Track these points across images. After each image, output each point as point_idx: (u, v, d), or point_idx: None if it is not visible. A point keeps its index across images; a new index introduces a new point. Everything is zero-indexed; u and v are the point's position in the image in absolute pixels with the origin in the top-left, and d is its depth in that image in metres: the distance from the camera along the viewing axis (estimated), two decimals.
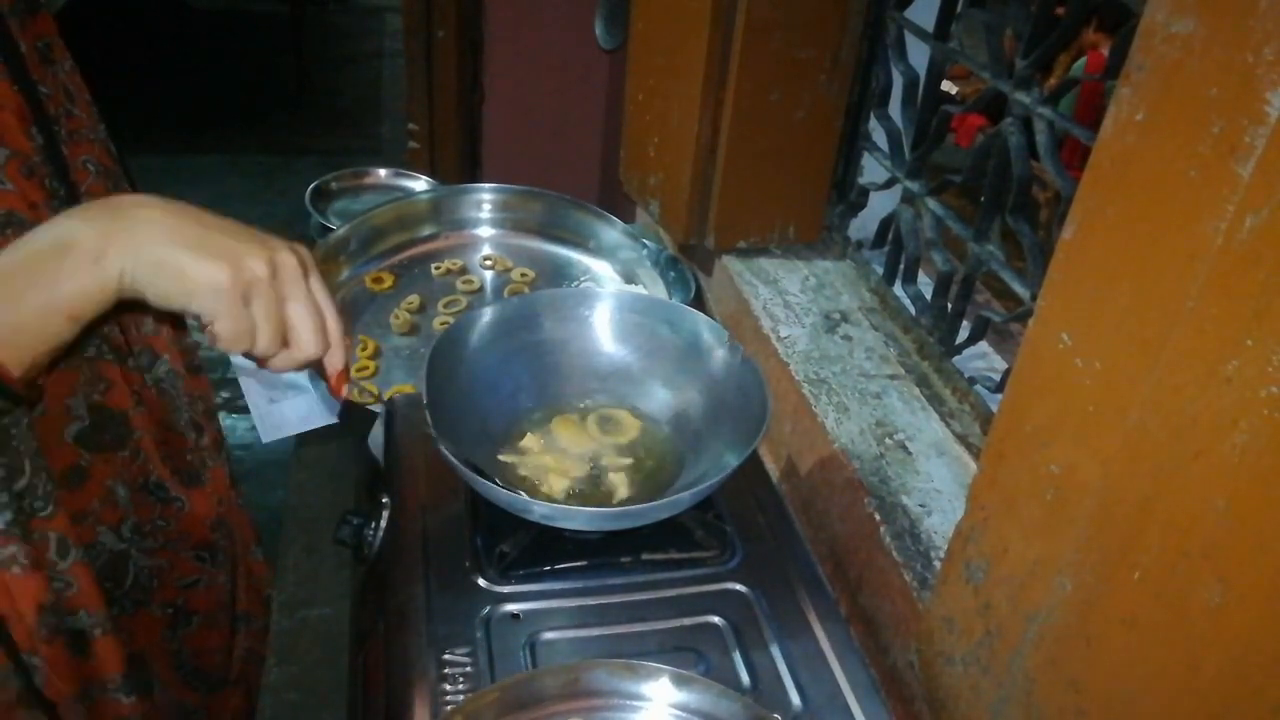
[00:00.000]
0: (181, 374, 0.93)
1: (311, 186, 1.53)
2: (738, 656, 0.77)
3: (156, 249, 0.61)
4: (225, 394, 2.68)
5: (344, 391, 0.71)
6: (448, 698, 0.71)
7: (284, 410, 1.19)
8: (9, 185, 0.71)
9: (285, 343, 0.66)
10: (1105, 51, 3.62)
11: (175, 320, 0.91)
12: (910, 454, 0.99)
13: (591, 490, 0.89)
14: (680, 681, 0.68)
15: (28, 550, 0.67)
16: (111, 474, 0.82)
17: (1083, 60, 3.58)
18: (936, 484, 0.95)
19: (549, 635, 0.77)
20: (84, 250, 0.59)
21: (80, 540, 0.78)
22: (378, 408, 1.07)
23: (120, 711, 0.84)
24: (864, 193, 1.30)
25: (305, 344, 0.66)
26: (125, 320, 0.85)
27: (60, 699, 0.76)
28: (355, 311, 1.28)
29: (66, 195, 0.76)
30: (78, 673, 0.78)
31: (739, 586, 0.83)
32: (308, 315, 0.65)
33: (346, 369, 0.71)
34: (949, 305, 1.08)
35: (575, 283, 1.37)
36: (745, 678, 0.75)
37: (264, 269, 0.62)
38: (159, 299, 0.62)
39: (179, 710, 0.97)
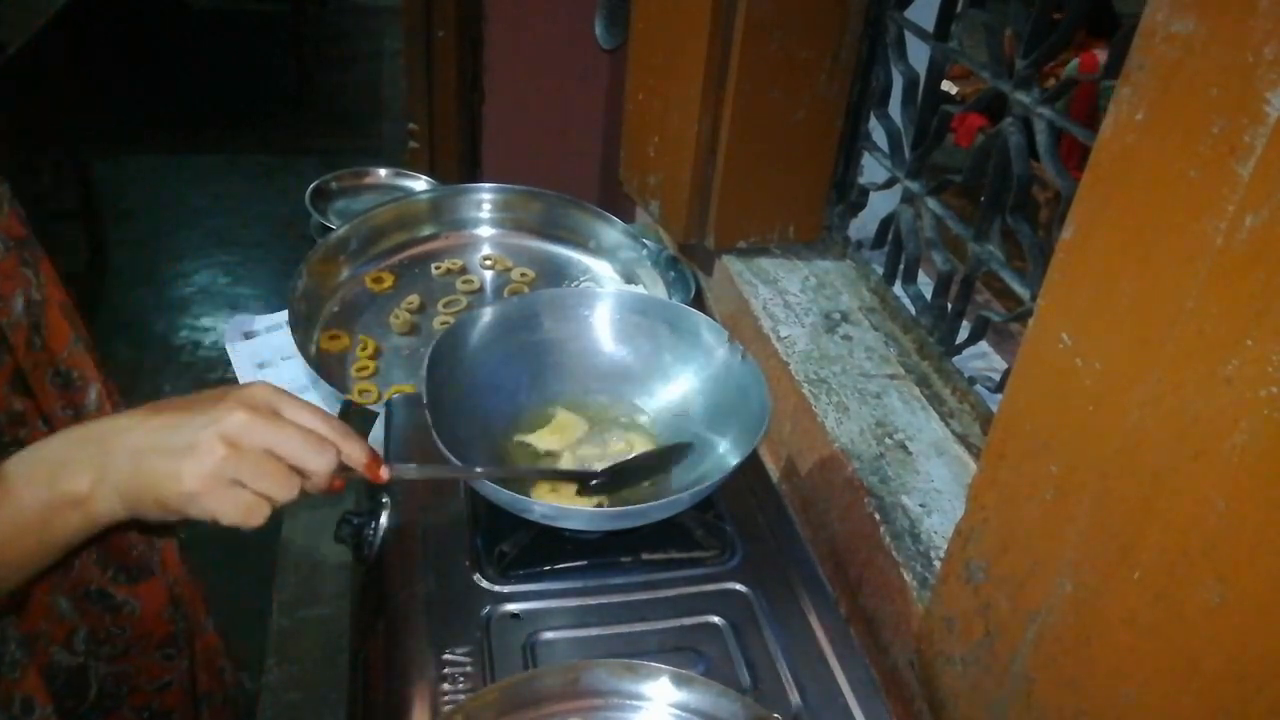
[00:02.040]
0: None
1: (312, 186, 1.53)
2: (738, 656, 0.77)
3: (130, 479, 0.61)
4: None
5: (384, 475, 0.69)
6: (448, 698, 0.71)
7: None
8: None
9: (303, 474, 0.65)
10: (1096, 53, 3.63)
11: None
12: (910, 454, 0.99)
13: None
14: (680, 681, 0.68)
15: None
16: (48, 589, 0.78)
17: (1074, 62, 3.59)
18: (936, 484, 0.95)
19: (549, 635, 0.77)
20: (73, 497, 0.60)
21: (38, 671, 0.76)
22: (378, 408, 1.07)
23: None
24: (864, 193, 1.30)
25: (313, 465, 0.64)
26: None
27: None
28: (355, 311, 1.28)
29: None
30: None
31: (739, 586, 0.83)
32: (297, 443, 0.63)
33: (373, 455, 0.68)
34: (949, 305, 1.08)
35: (575, 283, 1.37)
36: (745, 677, 0.75)
37: (220, 450, 0.60)
38: (149, 519, 0.63)
39: None
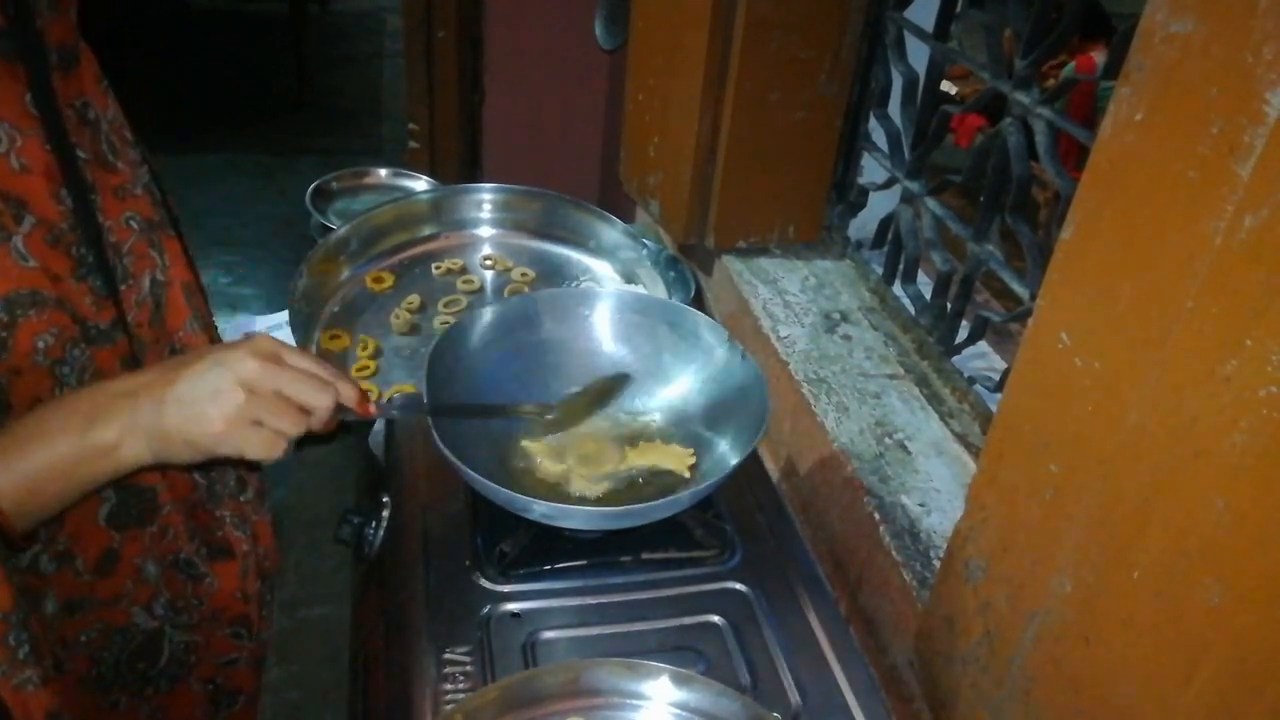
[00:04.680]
0: None
1: (312, 186, 1.53)
2: (737, 655, 0.77)
3: (157, 426, 0.67)
4: None
5: (372, 409, 0.77)
6: (448, 697, 0.71)
7: None
8: (33, 262, 0.71)
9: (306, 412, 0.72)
10: (1093, 55, 3.64)
11: None
12: (910, 453, 0.99)
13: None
14: (680, 680, 0.68)
15: (40, 672, 0.72)
16: (140, 551, 0.84)
17: (1071, 65, 3.61)
18: (936, 483, 0.95)
19: (549, 634, 0.77)
20: (102, 446, 0.66)
21: (113, 625, 0.84)
22: None
23: None
24: (864, 193, 1.30)
25: (317, 402, 0.71)
26: None
27: None
28: (355, 311, 1.28)
29: (95, 262, 0.77)
30: None
31: (739, 586, 0.83)
32: (302, 384, 0.70)
33: (362, 392, 0.75)
34: (948, 305, 1.08)
35: (575, 282, 1.37)
36: (745, 676, 0.75)
37: (238, 395, 0.67)
38: (175, 462, 0.70)
39: None
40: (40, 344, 0.72)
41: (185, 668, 0.92)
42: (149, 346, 0.84)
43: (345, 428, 0.81)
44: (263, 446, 0.69)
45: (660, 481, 0.90)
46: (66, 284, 0.74)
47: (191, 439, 0.67)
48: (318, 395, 0.71)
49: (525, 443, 0.93)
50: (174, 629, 0.90)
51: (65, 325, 0.74)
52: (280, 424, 0.69)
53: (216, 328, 1.00)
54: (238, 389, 0.67)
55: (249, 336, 0.72)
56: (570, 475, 0.89)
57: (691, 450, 0.92)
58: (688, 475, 0.90)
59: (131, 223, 0.83)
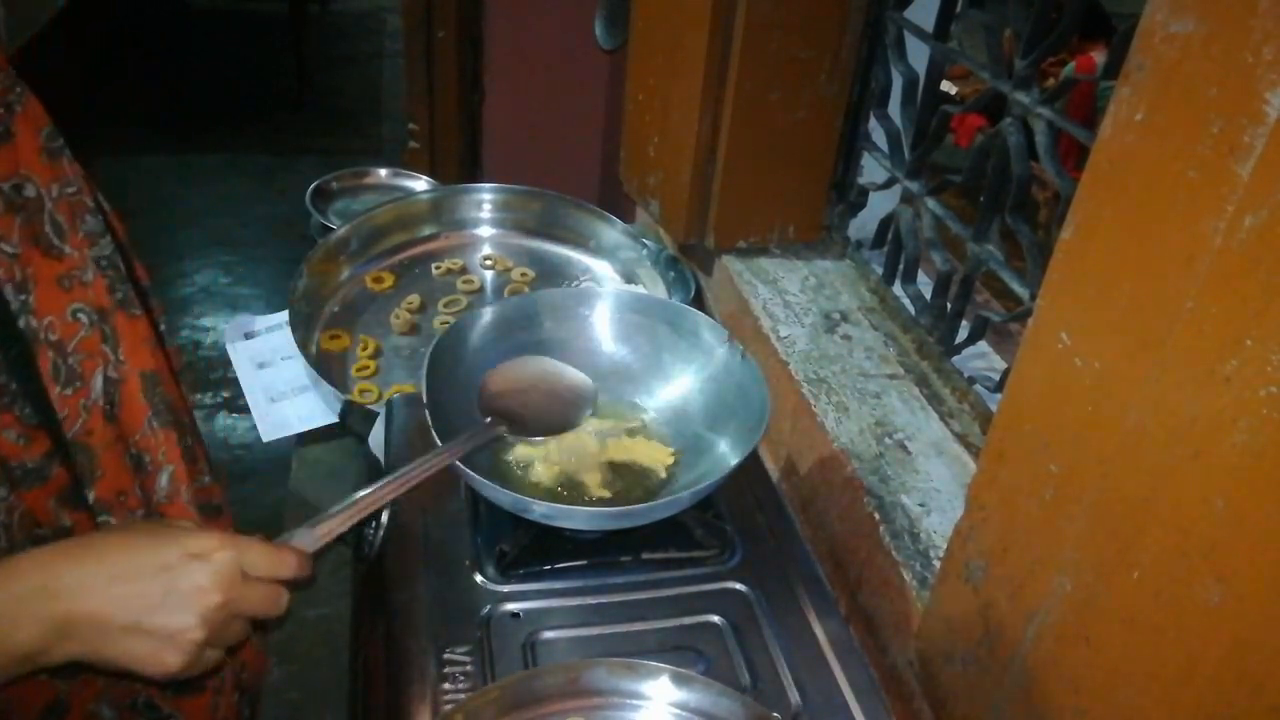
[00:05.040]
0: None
1: (312, 186, 1.53)
2: (737, 655, 0.77)
3: (99, 648, 0.58)
4: (225, 394, 2.68)
5: (306, 569, 0.67)
6: (448, 697, 0.71)
7: (284, 410, 1.20)
8: None
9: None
10: (1093, 55, 3.64)
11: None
12: (910, 453, 0.99)
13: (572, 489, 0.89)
14: (680, 680, 0.68)
15: None
16: (92, 698, 0.76)
17: (1071, 65, 3.61)
18: (936, 483, 0.95)
19: (549, 634, 0.77)
20: (21, 655, 0.57)
21: None
22: (378, 408, 1.07)
23: None
24: (863, 193, 1.30)
25: (271, 614, 0.65)
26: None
27: None
28: (355, 311, 1.28)
29: (20, 389, 0.67)
30: None
31: (739, 586, 0.83)
32: (258, 602, 0.63)
33: (302, 558, 0.66)
34: (948, 305, 1.08)
35: (575, 282, 1.37)
36: (745, 676, 0.75)
37: (199, 633, 0.59)
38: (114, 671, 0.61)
39: None
40: None
41: None
42: (103, 450, 0.75)
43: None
44: (205, 668, 0.62)
45: (644, 481, 0.90)
46: None
47: (138, 670, 0.59)
48: (273, 606, 0.64)
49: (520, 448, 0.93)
50: None
51: None
52: (229, 642, 0.63)
53: (191, 412, 0.89)
54: (199, 630, 0.59)
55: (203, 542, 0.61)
56: (551, 469, 0.89)
57: (672, 450, 0.92)
58: (664, 475, 0.90)
59: (80, 315, 0.73)
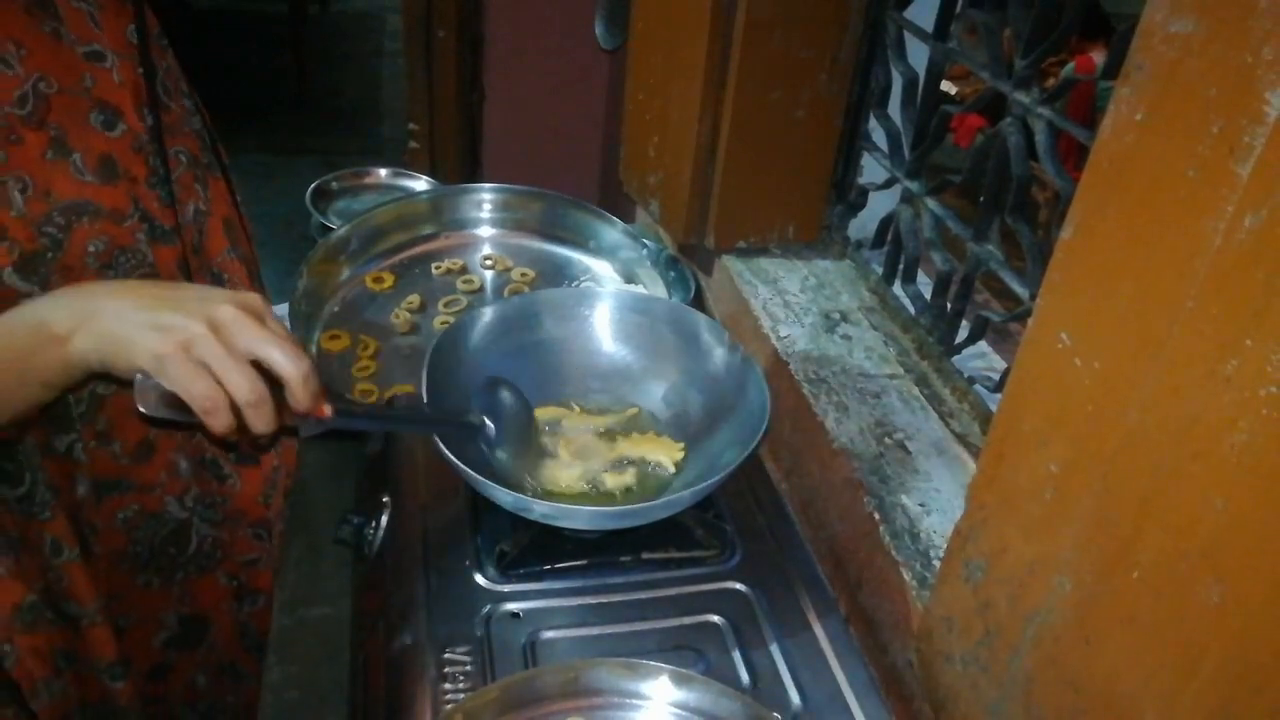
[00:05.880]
0: None
1: (312, 186, 1.53)
2: (737, 655, 0.77)
3: (111, 329, 0.66)
4: None
5: (326, 411, 0.69)
6: (448, 696, 0.71)
7: None
8: (89, 177, 0.79)
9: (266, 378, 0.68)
10: (1092, 55, 3.64)
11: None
12: (910, 453, 0.99)
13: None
14: (680, 680, 0.68)
15: (13, 560, 0.74)
16: (174, 447, 0.92)
17: (1070, 65, 3.62)
18: (936, 483, 0.95)
19: (549, 634, 0.78)
20: (54, 334, 0.66)
21: (147, 509, 0.93)
22: None
23: (108, 693, 0.92)
24: (863, 193, 1.30)
25: (284, 368, 0.66)
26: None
27: (29, 681, 0.83)
28: (355, 311, 1.28)
29: (164, 174, 0.87)
30: (60, 657, 0.86)
31: (739, 586, 0.83)
32: (273, 346, 0.66)
33: (321, 390, 0.69)
34: (948, 305, 1.08)
35: (575, 282, 1.37)
36: (745, 676, 0.75)
37: (200, 328, 0.64)
38: (118, 371, 0.67)
39: (231, 671, 1.09)
40: (91, 248, 0.81)
41: (212, 560, 1.00)
42: (192, 257, 0.91)
43: (293, 432, 0.82)
44: (198, 391, 0.63)
45: (653, 477, 0.90)
46: (141, 187, 0.85)
47: (132, 355, 0.65)
48: (288, 363, 0.66)
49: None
50: (202, 522, 0.98)
51: (115, 235, 0.82)
52: (229, 377, 0.64)
53: (258, 263, 1.07)
54: (198, 322, 0.64)
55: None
56: (560, 468, 0.89)
57: (681, 444, 0.92)
58: (672, 469, 0.90)
59: (180, 156, 0.91)
